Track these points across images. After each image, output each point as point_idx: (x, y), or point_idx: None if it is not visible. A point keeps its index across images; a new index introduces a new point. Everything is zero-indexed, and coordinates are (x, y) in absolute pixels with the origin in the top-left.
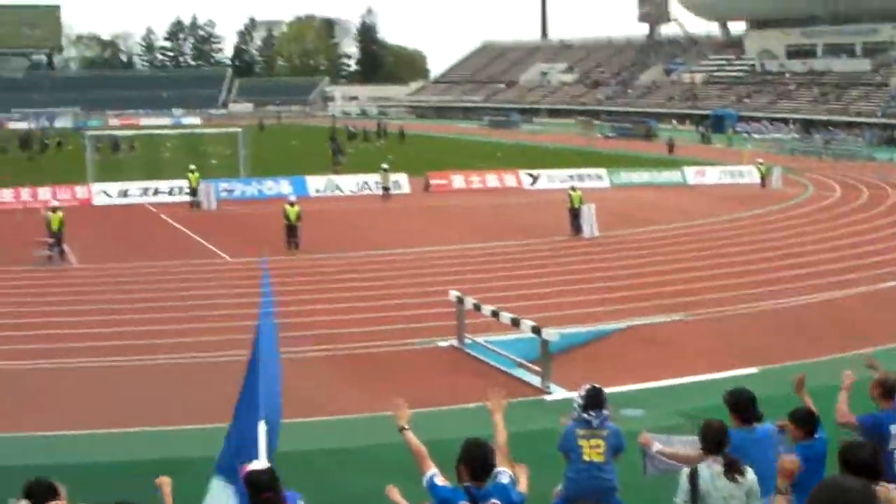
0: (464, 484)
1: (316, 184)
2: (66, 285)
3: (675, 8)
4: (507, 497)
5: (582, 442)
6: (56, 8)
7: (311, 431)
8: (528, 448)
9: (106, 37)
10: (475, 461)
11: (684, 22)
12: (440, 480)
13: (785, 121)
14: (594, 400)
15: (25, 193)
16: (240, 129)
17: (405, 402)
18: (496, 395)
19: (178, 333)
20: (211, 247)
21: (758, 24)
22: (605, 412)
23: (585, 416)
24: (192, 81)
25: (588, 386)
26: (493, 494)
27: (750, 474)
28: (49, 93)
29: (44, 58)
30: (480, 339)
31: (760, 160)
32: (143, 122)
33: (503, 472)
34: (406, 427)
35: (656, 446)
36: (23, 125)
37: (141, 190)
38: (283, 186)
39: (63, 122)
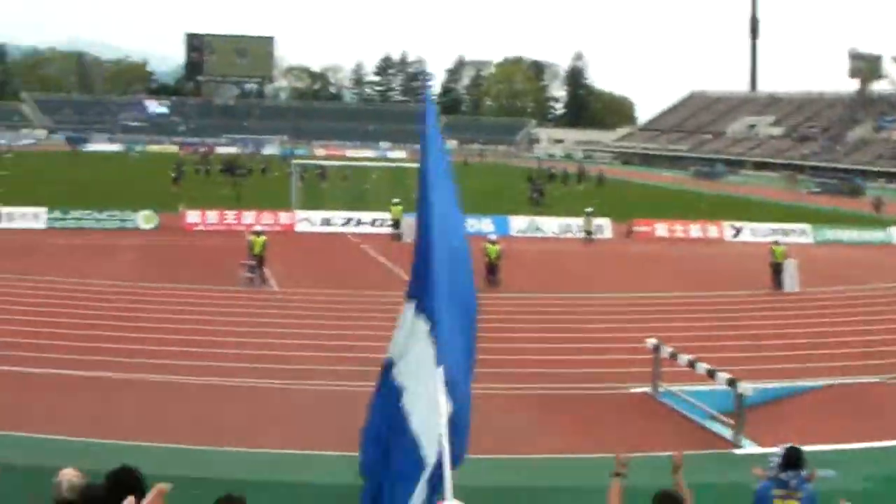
0: None
1: (518, 224)
2: (268, 306)
3: (888, 64)
4: None
5: (777, 502)
6: (270, 40)
7: (500, 468)
8: (717, 502)
9: (316, 69)
10: None
11: None
12: None
13: None
14: (793, 460)
15: (230, 217)
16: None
17: (624, 449)
18: (679, 453)
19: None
20: (407, 279)
21: None
22: (803, 473)
23: (783, 476)
24: (399, 116)
25: (787, 445)
26: None
27: None
28: (258, 120)
29: (255, 86)
30: (675, 388)
31: None
32: (349, 153)
33: None
34: (621, 474)
35: None
36: (231, 150)
37: (343, 219)
38: (485, 224)
39: (270, 149)
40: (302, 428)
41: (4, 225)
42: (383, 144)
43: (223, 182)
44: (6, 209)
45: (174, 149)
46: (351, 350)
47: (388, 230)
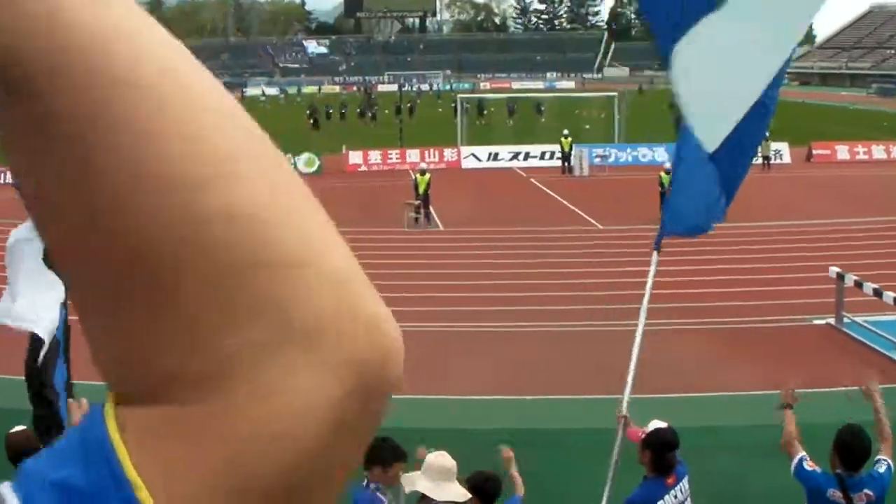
0: (836, 471)
1: None
2: (437, 248)
3: None
4: (881, 488)
5: None
6: None
7: (686, 408)
8: None
9: (479, 0)
10: (848, 448)
11: None
12: (809, 465)
13: None
14: None
15: (394, 156)
16: (616, 93)
17: (795, 381)
18: (872, 379)
19: (552, 300)
20: (581, 213)
21: None
22: None
23: None
24: (566, 45)
25: None
26: (866, 484)
27: None
28: (421, 55)
29: (416, 21)
30: (860, 318)
31: None
32: (516, 85)
33: (882, 461)
34: (790, 406)
35: None
36: (393, 88)
37: (511, 154)
38: (659, 154)
39: (434, 84)
40: (482, 370)
41: None
42: (550, 75)
43: (388, 122)
44: None
45: (336, 89)
46: (526, 290)
47: (557, 163)
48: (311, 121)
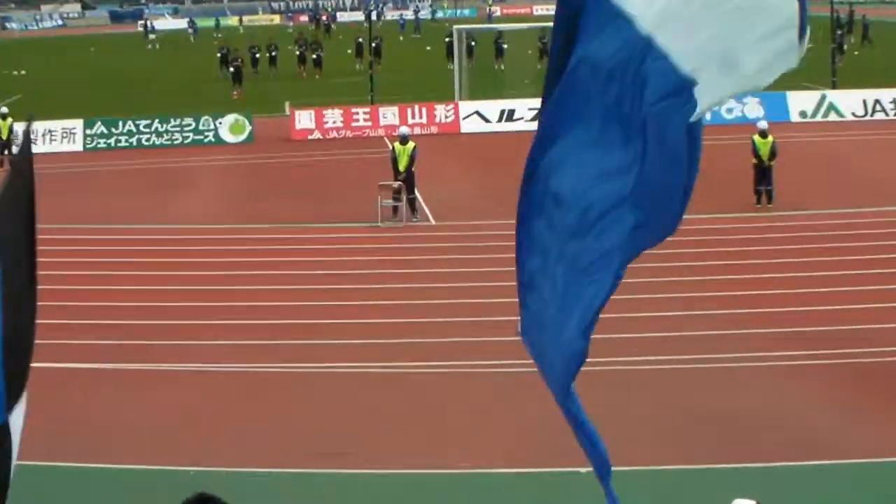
0: None
1: (801, 103)
2: (425, 251)
3: None
4: None
5: None
6: None
7: (801, 479)
8: None
9: None
10: None
11: None
12: None
13: None
14: None
15: (361, 116)
16: None
17: None
18: None
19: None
20: None
21: None
22: None
23: None
24: None
25: None
26: None
27: None
28: None
29: None
30: None
31: None
32: (539, 9)
33: None
34: None
35: None
36: (359, 17)
37: (533, 111)
38: (752, 107)
39: (420, 9)
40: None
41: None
42: None
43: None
44: (23, 125)
45: (275, 20)
46: None
47: None
48: (231, 70)
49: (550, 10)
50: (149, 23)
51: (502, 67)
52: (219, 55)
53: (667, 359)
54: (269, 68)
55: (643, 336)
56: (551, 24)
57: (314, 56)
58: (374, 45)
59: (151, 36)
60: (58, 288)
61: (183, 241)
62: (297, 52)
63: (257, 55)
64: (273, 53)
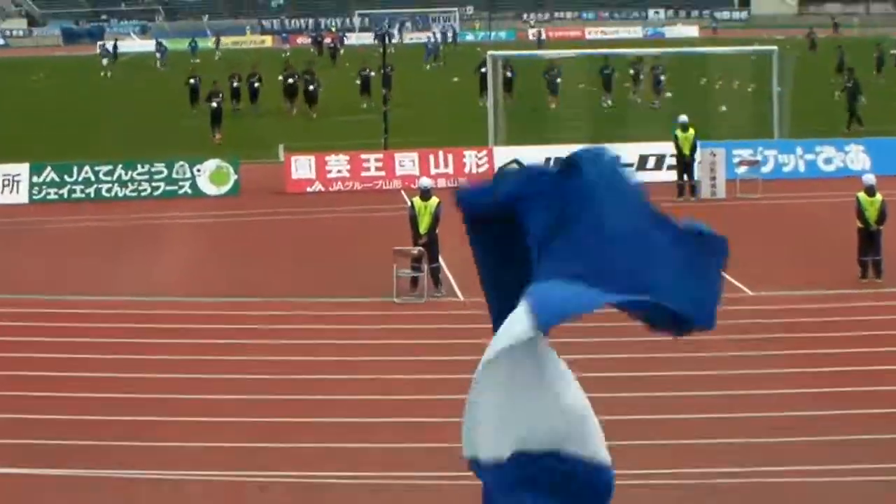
0: None
1: None
2: (453, 335)
3: None
4: None
5: None
6: None
7: None
8: None
9: None
10: None
11: None
12: None
13: None
14: None
15: (373, 163)
16: (774, 49)
17: None
18: None
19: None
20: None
21: None
22: None
23: None
24: None
25: None
26: None
27: None
28: None
29: None
30: None
31: None
32: (590, 33)
33: None
34: None
35: None
36: (368, 40)
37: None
38: (855, 156)
39: (448, 30)
40: None
41: None
42: (655, 15)
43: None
44: None
45: (266, 41)
46: (623, 422)
47: (669, 175)
48: (212, 106)
49: (608, 29)
50: (108, 44)
51: (553, 107)
52: (188, 87)
53: (751, 471)
54: (249, 103)
55: (725, 442)
56: (609, 50)
57: (308, 89)
58: (384, 73)
59: (105, 61)
60: None
61: (151, 317)
62: (285, 83)
63: (236, 84)
64: (255, 84)
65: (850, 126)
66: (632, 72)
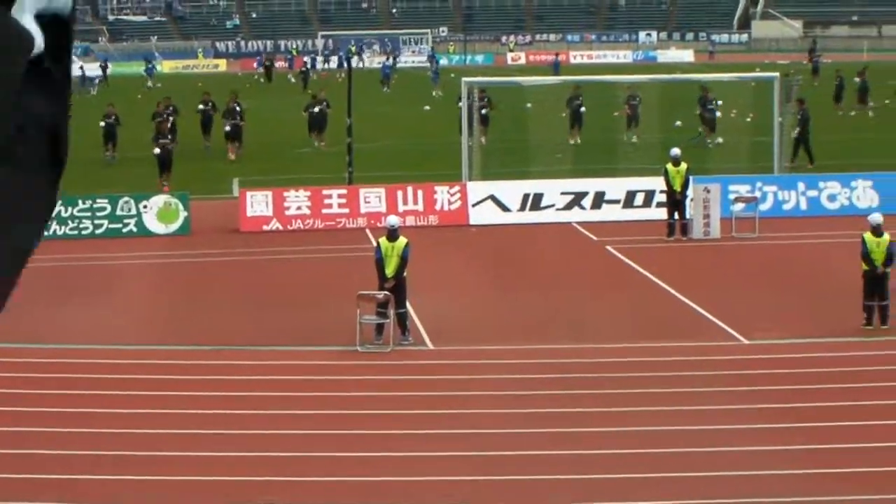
0: None
1: None
2: (419, 388)
3: None
4: None
5: None
6: None
7: None
8: None
9: None
10: None
11: None
12: None
13: None
14: None
15: (335, 200)
16: (775, 75)
17: None
18: None
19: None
20: (709, 315)
21: None
22: None
23: None
24: None
25: None
26: None
27: None
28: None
29: None
30: None
31: None
32: (575, 56)
33: None
34: None
35: None
36: (333, 64)
37: (568, 196)
38: (862, 192)
39: (420, 51)
40: None
41: None
42: (647, 37)
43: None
44: None
45: (220, 65)
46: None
47: (659, 213)
48: (157, 151)
49: (595, 52)
50: None
51: (572, 142)
52: (102, 125)
53: None
54: (202, 136)
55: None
56: (584, 77)
57: (229, 126)
58: (349, 99)
59: None
60: None
61: (90, 367)
62: (202, 114)
63: (167, 114)
64: (207, 109)
65: (795, 160)
66: (627, 109)
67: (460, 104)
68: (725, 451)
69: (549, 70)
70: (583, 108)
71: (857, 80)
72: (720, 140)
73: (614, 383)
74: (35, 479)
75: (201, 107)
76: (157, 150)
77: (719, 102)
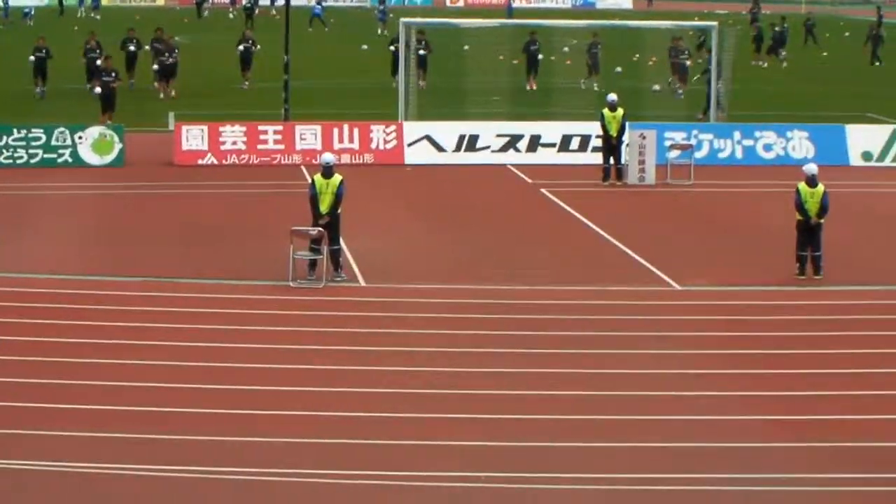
0: None
1: (865, 140)
2: (352, 324)
3: None
4: None
5: None
6: None
7: None
8: None
9: None
10: None
11: None
12: None
13: None
14: None
15: (271, 136)
16: (714, 24)
17: None
18: None
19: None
20: (642, 260)
21: None
22: None
23: None
24: None
25: None
26: None
27: None
28: None
29: None
30: None
31: None
32: (515, 1)
33: None
34: None
35: None
36: None
37: (504, 138)
38: (798, 143)
39: None
40: None
41: None
42: None
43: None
44: None
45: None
46: (533, 421)
47: (595, 158)
48: (97, 88)
49: (531, 1)
50: None
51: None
52: (32, 59)
53: (679, 477)
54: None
55: (648, 447)
56: (521, 21)
57: (162, 62)
58: (286, 35)
59: None
60: None
61: (22, 295)
62: (126, 51)
63: (94, 55)
64: (132, 47)
65: (707, 112)
66: (588, 59)
67: (391, 47)
68: (655, 395)
69: (501, 13)
70: (540, 56)
71: (776, 29)
72: (657, 87)
73: (545, 324)
74: None
75: (128, 46)
76: (97, 89)
77: (688, 51)
